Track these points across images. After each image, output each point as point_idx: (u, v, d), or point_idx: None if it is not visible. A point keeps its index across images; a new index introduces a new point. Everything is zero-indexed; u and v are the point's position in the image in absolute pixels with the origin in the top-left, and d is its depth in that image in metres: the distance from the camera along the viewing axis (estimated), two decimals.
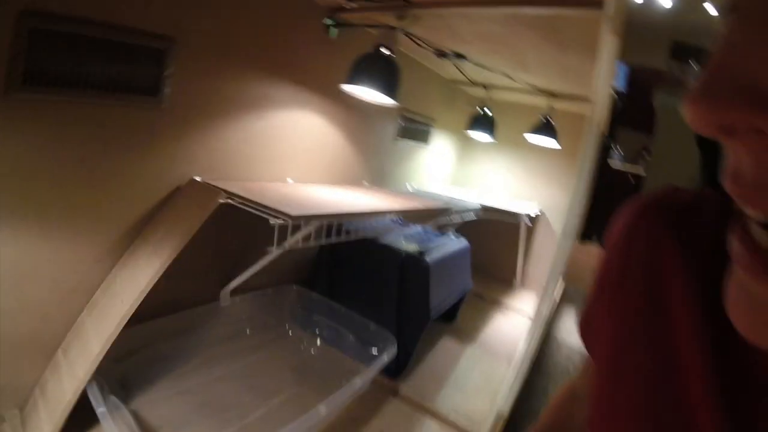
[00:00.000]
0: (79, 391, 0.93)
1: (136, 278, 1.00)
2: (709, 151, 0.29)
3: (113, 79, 0.97)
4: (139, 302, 0.94)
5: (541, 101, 2.23)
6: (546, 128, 2.16)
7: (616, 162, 3.16)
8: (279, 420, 1.02)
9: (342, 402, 1.14)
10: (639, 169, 3.19)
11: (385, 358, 1.29)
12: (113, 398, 0.97)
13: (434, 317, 1.52)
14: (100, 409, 0.91)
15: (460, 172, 2.96)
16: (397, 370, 1.44)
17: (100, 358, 0.93)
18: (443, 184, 2.81)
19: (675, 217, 0.31)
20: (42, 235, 0.94)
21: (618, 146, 3.18)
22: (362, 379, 1.18)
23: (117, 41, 0.95)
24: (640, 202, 0.34)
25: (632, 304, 0.32)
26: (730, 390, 0.24)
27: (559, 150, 2.38)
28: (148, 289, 0.94)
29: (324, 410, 1.02)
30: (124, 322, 0.94)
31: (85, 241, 1.03)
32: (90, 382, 0.93)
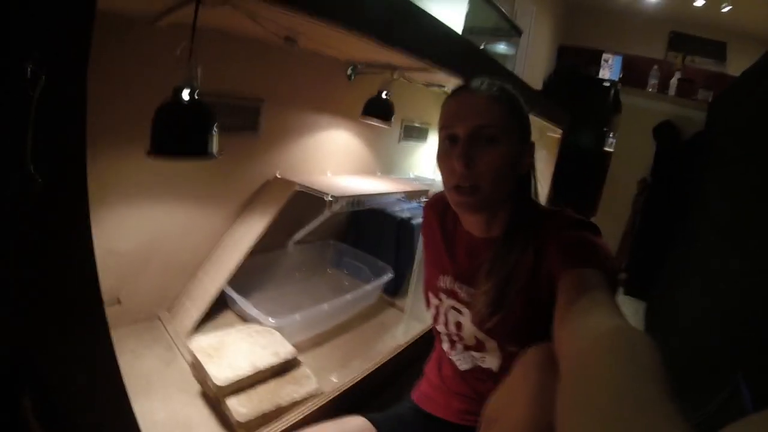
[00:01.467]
0: (219, 290, 1.69)
1: (248, 233, 1.79)
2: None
3: (233, 123, 1.84)
4: (251, 247, 1.77)
5: None
6: None
7: None
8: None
9: (360, 296, 2.03)
10: None
11: (386, 279, 2.20)
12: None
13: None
14: (235, 295, 1.75)
15: None
16: (394, 290, 2.35)
17: (231, 273, 1.73)
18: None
19: (438, 203, 1.18)
20: (197, 206, 1.76)
21: None
22: (371, 286, 2.10)
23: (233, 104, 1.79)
24: (430, 201, 1.22)
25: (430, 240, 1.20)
26: (452, 251, 1.12)
27: None
28: (257, 241, 1.79)
29: (350, 297, 1.93)
30: (243, 257, 1.76)
31: (218, 210, 1.87)
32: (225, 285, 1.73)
